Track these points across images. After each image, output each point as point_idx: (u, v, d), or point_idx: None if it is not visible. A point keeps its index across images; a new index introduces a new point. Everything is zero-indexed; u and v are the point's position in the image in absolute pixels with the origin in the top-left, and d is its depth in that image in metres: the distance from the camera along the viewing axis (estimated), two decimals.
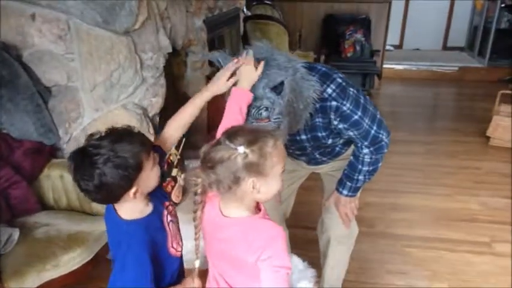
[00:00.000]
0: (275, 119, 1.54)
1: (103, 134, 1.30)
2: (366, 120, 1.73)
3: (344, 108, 1.68)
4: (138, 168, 1.29)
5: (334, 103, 1.67)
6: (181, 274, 1.51)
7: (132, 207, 1.36)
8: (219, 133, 1.44)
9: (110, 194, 1.29)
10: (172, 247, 1.43)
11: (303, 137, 1.81)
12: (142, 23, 2.38)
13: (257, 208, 1.33)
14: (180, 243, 1.49)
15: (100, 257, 2.13)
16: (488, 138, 4.53)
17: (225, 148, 1.20)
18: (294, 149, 1.93)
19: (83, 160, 1.25)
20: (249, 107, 1.53)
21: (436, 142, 4.65)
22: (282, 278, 1.22)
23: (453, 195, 3.56)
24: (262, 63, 1.53)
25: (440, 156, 4.28)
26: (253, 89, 1.53)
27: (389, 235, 3.02)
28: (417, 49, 8.15)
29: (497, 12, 7.00)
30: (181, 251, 1.50)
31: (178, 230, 1.50)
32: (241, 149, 1.19)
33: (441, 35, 8.18)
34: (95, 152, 1.24)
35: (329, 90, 1.66)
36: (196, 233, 1.35)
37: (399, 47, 8.19)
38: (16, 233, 2.02)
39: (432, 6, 7.87)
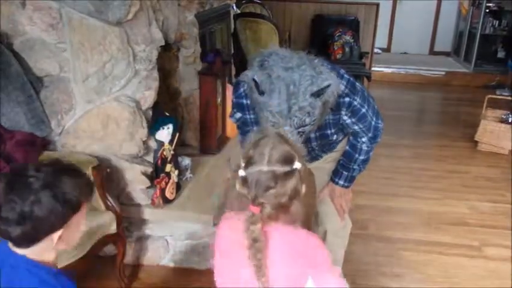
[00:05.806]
0: (313, 120, 1.54)
1: (46, 162, 1.17)
2: (370, 113, 1.76)
3: (355, 103, 1.69)
4: (76, 208, 1.14)
5: (347, 99, 1.67)
6: None
7: (46, 248, 1.16)
8: None
9: (34, 230, 1.09)
10: None
11: (312, 135, 1.79)
12: (134, 14, 2.33)
13: None
14: None
15: (91, 256, 2.07)
16: (476, 142, 4.55)
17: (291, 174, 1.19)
18: None
19: (17, 179, 1.08)
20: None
21: (424, 146, 4.66)
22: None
23: (443, 199, 3.56)
24: None
25: (428, 161, 4.29)
26: (295, 97, 1.49)
27: (382, 238, 3.01)
28: (405, 53, 8.22)
29: (482, 18, 7.09)
30: None
31: None
32: (299, 165, 1.20)
33: (428, 40, 8.26)
34: (34, 174, 1.08)
35: (342, 87, 1.65)
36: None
37: (387, 50, 8.25)
38: None
39: (418, 10, 7.93)
